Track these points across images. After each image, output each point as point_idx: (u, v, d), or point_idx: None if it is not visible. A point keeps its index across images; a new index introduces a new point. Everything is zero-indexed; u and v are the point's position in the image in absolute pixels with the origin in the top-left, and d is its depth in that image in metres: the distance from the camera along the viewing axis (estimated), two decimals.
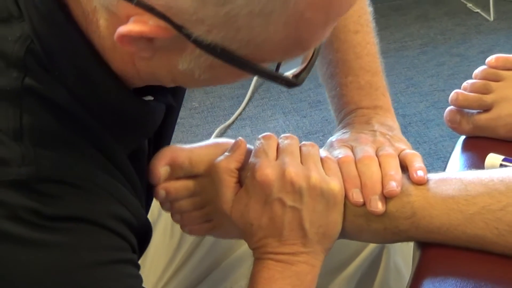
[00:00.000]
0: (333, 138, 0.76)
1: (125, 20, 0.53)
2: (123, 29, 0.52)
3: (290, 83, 0.58)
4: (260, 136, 0.69)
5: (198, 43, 0.52)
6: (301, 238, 0.65)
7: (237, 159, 0.66)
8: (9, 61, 0.57)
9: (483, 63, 0.88)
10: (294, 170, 0.63)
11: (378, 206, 0.63)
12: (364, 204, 0.64)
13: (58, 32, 0.57)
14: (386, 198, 0.64)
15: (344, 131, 0.76)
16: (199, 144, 0.70)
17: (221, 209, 0.67)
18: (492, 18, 2.40)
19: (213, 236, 0.79)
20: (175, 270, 0.92)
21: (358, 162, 0.66)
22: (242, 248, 0.90)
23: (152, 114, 0.64)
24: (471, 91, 0.83)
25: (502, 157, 0.74)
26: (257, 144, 0.67)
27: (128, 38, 0.53)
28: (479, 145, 0.84)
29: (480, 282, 0.63)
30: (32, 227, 0.56)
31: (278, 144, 0.67)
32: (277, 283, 0.66)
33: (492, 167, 0.74)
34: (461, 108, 0.83)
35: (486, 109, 0.82)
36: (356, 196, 0.64)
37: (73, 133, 0.59)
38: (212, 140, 0.72)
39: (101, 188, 0.60)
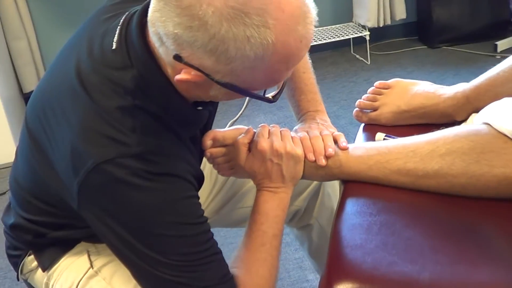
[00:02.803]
0: (296, 127, 1.12)
1: (179, 71, 0.79)
2: (178, 77, 0.79)
3: (270, 101, 0.86)
4: (260, 125, 1.02)
5: (218, 82, 0.78)
6: (281, 179, 0.97)
7: (248, 137, 1.00)
8: (126, 91, 0.84)
9: (367, 87, 1.22)
10: (277, 143, 0.96)
11: (323, 161, 0.99)
12: (315, 161, 0.99)
13: (153, 75, 0.84)
14: (327, 157, 0.99)
15: (302, 124, 1.11)
16: (227, 128, 1.03)
17: (239, 163, 1.00)
18: (369, 62, 3.46)
19: (233, 176, 1.08)
20: (214, 196, 1.25)
21: (311, 139, 1.01)
22: (249, 184, 1.23)
23: (201, 116, 0.94)
24: (367, 100, 1.19)
25: (384, 134, 1.10)
26: (258, 130, 1.00)
27: (181, 81, 0.80)
28: (371, 128, 1.17)
29: (386, 202, 0.93)
30: (145, 179, 0.82)
31: (269, 130, 1.00)
32: (269, 203, 0.97)
33: (379, 139, 1.09)
34: (362, 109, 1.20)
35: (375, 109, 1.18)
36: (310, 157, 0.99)
37: (162, 127, 0.86)
38: (233, 127, 1.04)
39: (179, 156, 0.87)
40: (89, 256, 1.04)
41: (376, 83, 1.21)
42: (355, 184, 1.00)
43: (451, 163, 0.93)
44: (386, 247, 0.85)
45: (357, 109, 1.22)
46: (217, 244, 0.92)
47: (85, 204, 0.87)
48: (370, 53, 3.53)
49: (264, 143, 0.98)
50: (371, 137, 1.16)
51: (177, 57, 0.77)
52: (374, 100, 1.19)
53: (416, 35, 3.79)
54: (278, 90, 0.86)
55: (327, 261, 0.87)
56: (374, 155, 0.99)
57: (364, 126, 1.21)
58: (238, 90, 0.80)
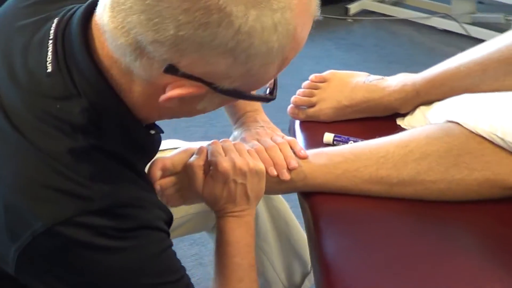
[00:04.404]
0: (236, 134, 1.00)
1: (162, 87, 0.64)
2: (169, 94, 0.64)
3: (271, 99, 0.74)
4: (208, 143, 0.89)
5: (221, 91, 0.65)
6: (246, 200, 0.87)
7: (203, 158, 0.87)
8: (75, 128, 0.67)
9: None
10: (239, 161, 0.85)
11: (287, 175, 0.90)
12: (277, 175, 0.90)
13: (108, 103, 0.68)
14: (289, 170, 0.90)
15: (244, 128, 1.00)
16: (174, 152, 0.89)
17: (195, 190, 0.87)
18: None
19: (183, 205, 0.95)
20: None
21: (268, 150, 0.91)
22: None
23: (158, 142, 0.81)
24: (303, 96, 1.11)
25: (333, 135, 1.02)
26: (210, 148, 0.87)
27: (170, 99, 0.65)
28: (310, 127, 1.10)
29: (356, 209, 0.89)
30: (114, 239, 0.68)
31: (222, 146, 0.88)
32: (237, 230, 0.86)
33: (328, 140, 1.02)
34: (298, 105, 1.11)
35: (312, 105, 1.10)
36: (272, 171, 0.89)
37: (122, 168, 0.71)
38: (180, 148, 0.90)
39: (148, 202, 0.73)
40: None
41: (312, 77, 1.12)
42: (319, 197, 0.93)
43: (428, 168, 0.88)
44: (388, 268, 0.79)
45: (292, 105, 1.12)
46: None
47: (28, 270, 0.69)
48: None
49: (225, 163, 0.86)
50: (311, 136, 1.08)
51: (171, 69, 0.62)
52: (311, 95, 1.11)
53: None
54: (273, 85, 0.73)
55: None
56: (340, 162, 0.92)
57: (300, 124, 1.13)
58: (240, 95, 0.68)
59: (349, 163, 0.91)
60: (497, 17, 2.86)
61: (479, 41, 2.90)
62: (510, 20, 2.77)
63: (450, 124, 0.91)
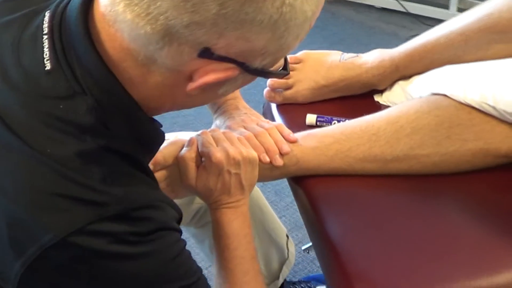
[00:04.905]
0: (219, 122, 0.97)
1: (188, 74, 0.60)
2: (203, 80, 0.59)
3: (287, 74, 0.70)
4: (198, 133, 0.86)
5: (250, 71, 0.61)
6: (240, 190, 0.84)
7: (194, 150, 0.84)
8: (83, 129, 0.62)
9: None
10: (232, 150, 0.82)
11: (280, 161, 0.88)
12: (270, 161, 0.88)
13: (116, 100, 0.63)
14: (282, 155, 0.88)
15: (227, 116, 0.97)
16: (163, 145, 0.80)
17: (187, 183, 0.83)
18: None
19: (174, 199, 0.84)
20: None
21: (257, 137, 0.89)
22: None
23: (163, 136, 0.74)
24: None
25: (315, 115, 1.01)
26: (200, 139, 0.84)
27: (201, 87, 0.60)
28: (288, 109, 1.09)
29: (352, 188, 0.88)
30: (133, 244, 0.63)
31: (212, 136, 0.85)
32: (234, 222, 0.84)
33: (310, 122, 1.01)
34: (274, 88, 1.09)
35: (289, 87, 1.08)
36: (264, 158, 0.87)
37: (133, 168, 0.67)
38: (169, 140, 0.86)
39: (161, 201, 0.68)
40: None
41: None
42: (311, 180, 0.91)
43: (420, 143, 0.88)
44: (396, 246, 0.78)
45: (268, 88, 1.10)
46: None
47: (32, 286, 0.63)
48: None
49: (218, 153, 0.82)
50: (291, 119, 1.06)
51: (206, 52, 0.58)
52: (287, 77, 1.08)
53: None
54: (284, 61, 0.69)
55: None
56: (332, 143, 0.90)
57: (278, 107, 1.11)
58: (265, 74, 0.64)
59: (341, 143, 0.89)
60: None
61: (418, 17, 2.95)
62: None
63: (437, 96, 0.91)
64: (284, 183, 1.95)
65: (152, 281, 0.65)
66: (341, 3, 3.25)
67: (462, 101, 0.88)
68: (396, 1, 2.95)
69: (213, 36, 0.56)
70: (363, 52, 1.08)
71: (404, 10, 2.94)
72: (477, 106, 0.86)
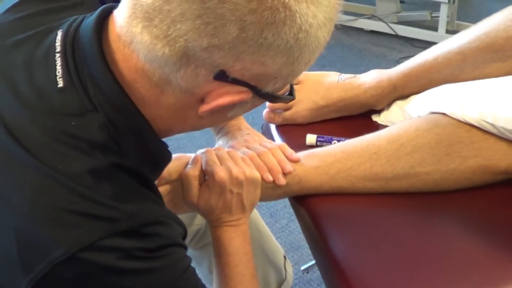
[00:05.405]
0: (221, 142, 0.97)
1: (200, 97, 0.62)
2: (218, 102, 0.61)
3: (293, 99, 0.71)
4: (201, 152, 0.87)
5: (261, 94, 0.63)
6: (241, 210, 0.85)
7: (198, 168, 0.84)
8: (94, 146, 0.63)
9: None
10: (235, 170, 0.83)
11: (282, 180, 0.89)
12: (273, 181, 0.88)
13: (128, 119, 0.65)
14: (285, 174, 0.89)
15: (230, 137, 0.97)
16: None
17: (190, 200, 0.84)
18: None
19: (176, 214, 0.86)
20: None
21: (261, 156, 0.90)
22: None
23: (171, 156, 0.75)
24: None
25: (316, 136, 1.02)
26: (204, 157, 0.85)
27: (214, 109, 0.61)
28: (288, 130, 1.09)
29: (354, 206, 0.89)
30: (142, 260, 0.64)
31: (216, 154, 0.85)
32: (234, 240, 0.84)
33: (311, 142, 1.01)
34: (274, 110, 1.09)
35: (288, 108, 1.08)
36: (267, 177, 0.88)
37: (141, 183, 0.67)
38: (173, 156, 0.81)
39: (168, 218, 0.69)
40: None
41: None
42: (313, 199, 0.92)
43: (421, 161, 0.89)
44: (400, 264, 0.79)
45: (267, 110, 1.11)
46: None
47: None
48: None
49: (221, 173, 0.83)
50: (291, 139, 1.06)
51: (222, 75, 0.59)
52: None
53: None
54: (290, 86, 0.71)
55: None
56: (333, 162, 0.91)
57: (277, 128, 1.11)
58: (274, 98, 0.66)
59: (342, 162, 0.90)
60: (423, 14, 2.95)
61: (407, 39, 2.98)
62: (435, 17, 2.86)
63: (436, 115, 0.92)
64: (279, 205, 1.97)
65: None
66: None
67: (461, 119, 0.89)
68: (385, 24, 2.99)
69: (230, 59, 0.58)
70: None
71: (393, 33, 2.98)
72: (476, 124, 0.88)
